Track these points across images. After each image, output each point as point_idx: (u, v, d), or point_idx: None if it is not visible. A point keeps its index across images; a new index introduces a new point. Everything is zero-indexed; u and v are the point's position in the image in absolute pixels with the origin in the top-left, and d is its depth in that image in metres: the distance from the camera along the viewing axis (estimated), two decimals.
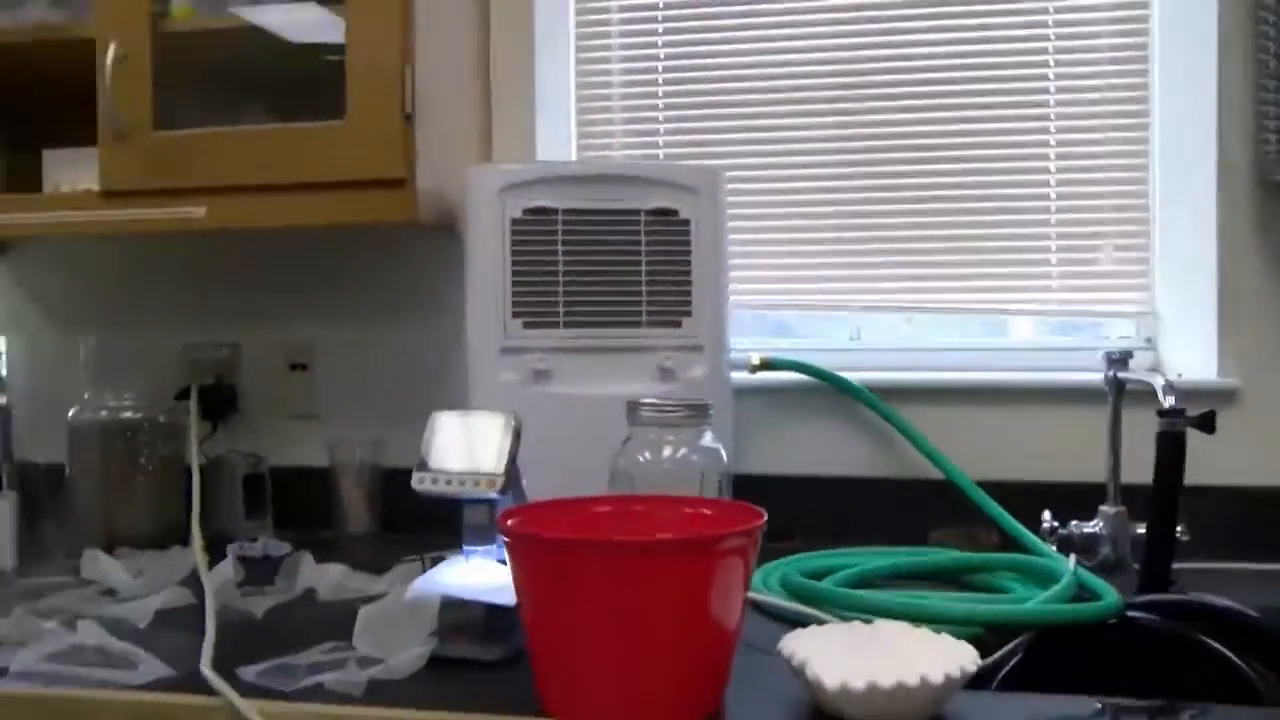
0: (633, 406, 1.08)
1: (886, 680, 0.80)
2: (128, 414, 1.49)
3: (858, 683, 0.80)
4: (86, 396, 1.48)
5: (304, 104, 1.41)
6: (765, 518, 0.86)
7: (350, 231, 1.62)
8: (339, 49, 1.35)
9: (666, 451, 1.06)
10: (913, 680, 0.80)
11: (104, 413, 1.47)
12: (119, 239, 1.67)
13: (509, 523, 0.88)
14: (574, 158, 1.63)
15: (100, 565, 1.30)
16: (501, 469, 1.01)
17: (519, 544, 0.84)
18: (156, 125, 1.39)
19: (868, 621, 0.95)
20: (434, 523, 1.45)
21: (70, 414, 1.48)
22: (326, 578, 1.27)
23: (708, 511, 0.93)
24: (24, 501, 1.43)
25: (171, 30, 1.42)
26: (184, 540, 1.44)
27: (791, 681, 0.88)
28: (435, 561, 1.16)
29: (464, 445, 1.04)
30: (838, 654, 0.86)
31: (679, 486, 1.05)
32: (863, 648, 0.89)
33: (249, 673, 0.96)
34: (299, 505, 1.61)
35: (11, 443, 1.43)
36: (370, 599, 1.10)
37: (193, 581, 1.25)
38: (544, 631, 0.85)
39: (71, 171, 1.53)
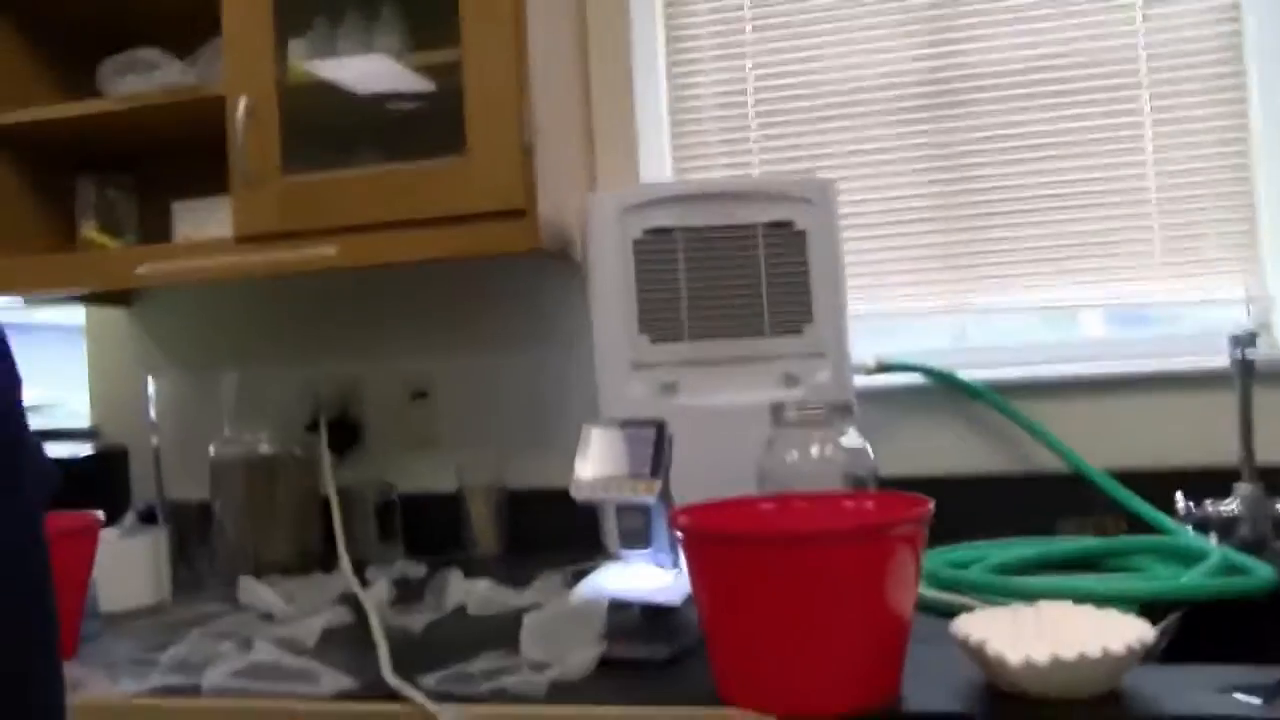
0: (777, 408, 1.12)
1: (1069, 653, 0.82)
2: (265, 448, 1.55)
3: (1041, 657, 0.82)
4: (227, 433, 1.54)
5: (419, 141, 1.47)
6: (933, 503, 0.89)
7: (464, 262, 1.68)
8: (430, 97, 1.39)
9: (814, 451, 1.09)
10: (1095, 652, 0.82)
11: (244, 448, 1.54)
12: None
13: (685, 520, 0.91)
14: (670, 177, 1.68)
15: (257, 592, 1.36)
16: (659, 474, 1.05)
17: (701, 541, 0.88)
18: (285, 171, 1.46)
19: (1029, 604, 0.96)
20: (558, 542, 1.52)
21: (212, 450, 1.55)
22: (474, 593, 1.31)
23: (870, 504, 0.96)
24: (174, 536, 1.50)
25: (292, 83, 1.49)
26: (324, 567, 1.50)
27: (961, 664, 0.90)
28: (578, 574, 1.20)
29: (618, 454, 1.08)
30: (1012, 633, 0.89)
31: (827, 485, 1.08)
32: (1034, 626, 0.91)
33: (429, 680, 1.00)
34: (425, 530, 1.66)
35: (163, 481, 1.50)
36: (521, 610, 1.13)
37: (344, 603, 1.30)
38: (725, 625, 0.88)
39: (199, 221, 1.61)
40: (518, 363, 1.70)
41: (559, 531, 1.54)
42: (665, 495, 1.08)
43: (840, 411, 1.10)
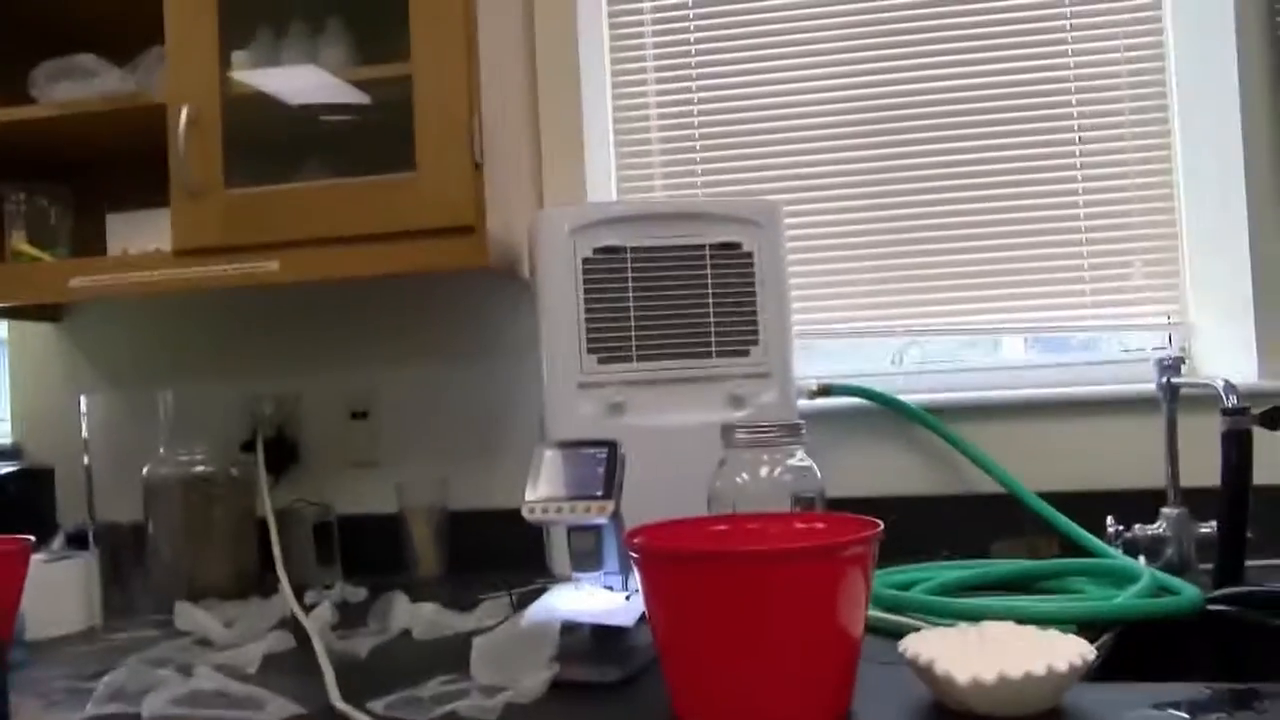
0: (727, 429, 1.13)
1: (1015, 672, 0.84)
2: (201, 468, 1.51)
3: (988, 676, 0.85)
4: (162, 452, 1.50)
5: (366, 155, 1.46)
6: (883, 525, 0.91)
7: (406, 278, 1.66)
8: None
9: (763, 472, 1.11)
10: (1040, 670, 0.85)
11: (179, 468, 1.50)
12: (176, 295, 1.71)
13: (638, 540, 0.92)
14: (614, 197, 1.69)
15: (194, 617, 1.32)
16: (611, 495, 1.05)
17: (656, 560, 0.88)
18: (228, 184, 1.44)
19: (973, 624, 0.99)
20: (500, 563, 1.51)
21: (145, 470, 1.50)
22: (420, 617, 1.29)
23: (820, 525, 0.97)
24: (106, 559, 1.45)
25: (236, 93, 1.47)
26: (261, 590, 1.47)
27: (909, 683, 0.92)
28: (525, 596, 1.20)
29: (570, 475, 1.08)
30: (959, 653, 0.91)
31: (776, 506, 1.09)
32: (979, 646, 0.93)
33: (378, 706, 0.98)
34: (364, 551, 1.64)
35: (94, 502, 1.46)
36: (468, 634, 1.12)
37: (285, 627, 1.28)
38: (679, 644, 0.88)
39: (136, 234, 1.57)
40: (459, 381, 1.69)
41: (501, 552, 1.53)
42: (617, 516, 1.08)
43: (791, 432, 1.11)
